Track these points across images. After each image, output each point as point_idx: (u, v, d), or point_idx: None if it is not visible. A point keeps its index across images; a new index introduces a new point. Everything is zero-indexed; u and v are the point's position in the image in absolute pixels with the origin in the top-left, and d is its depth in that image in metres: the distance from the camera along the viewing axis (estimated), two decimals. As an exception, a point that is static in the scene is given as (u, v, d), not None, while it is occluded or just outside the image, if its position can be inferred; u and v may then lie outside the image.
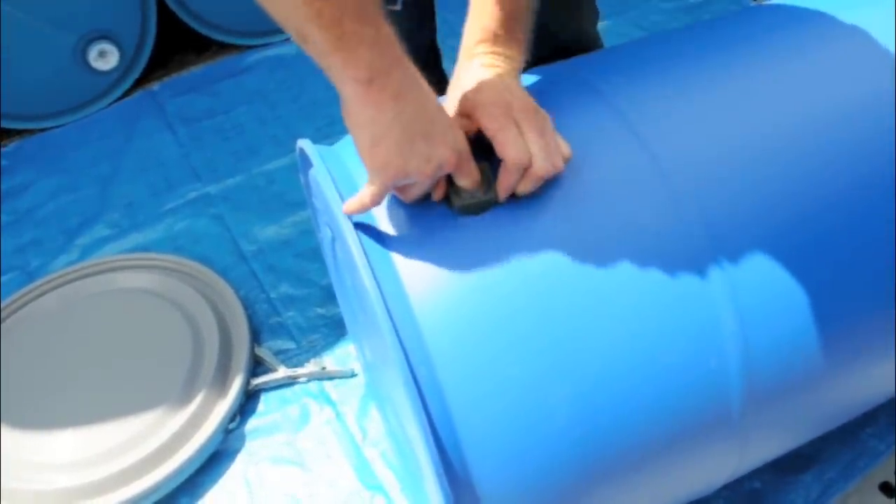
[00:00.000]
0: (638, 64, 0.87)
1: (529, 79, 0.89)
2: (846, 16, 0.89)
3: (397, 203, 0.74)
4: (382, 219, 0.74)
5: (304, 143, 0.87)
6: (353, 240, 0.70)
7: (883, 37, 0.85)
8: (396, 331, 0.66)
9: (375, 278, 0.68)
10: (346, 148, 0.87)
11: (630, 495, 0.77)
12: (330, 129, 1.94)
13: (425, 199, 0.74)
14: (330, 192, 0.75)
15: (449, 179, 0.73)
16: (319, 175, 0.78)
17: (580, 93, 0.82)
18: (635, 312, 0.70)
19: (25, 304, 1.55)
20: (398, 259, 0.71)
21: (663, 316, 0.70)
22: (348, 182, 0.79)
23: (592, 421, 0.69)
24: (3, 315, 1.53)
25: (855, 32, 0.86)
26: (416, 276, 0.70)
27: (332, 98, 2.20)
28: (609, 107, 0.79)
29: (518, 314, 0.68)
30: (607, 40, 2.12)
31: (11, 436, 1.31)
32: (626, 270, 0.70)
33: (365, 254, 0.69)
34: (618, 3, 2.28)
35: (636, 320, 0.70)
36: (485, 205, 0.72)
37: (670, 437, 0.73)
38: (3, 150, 2.07)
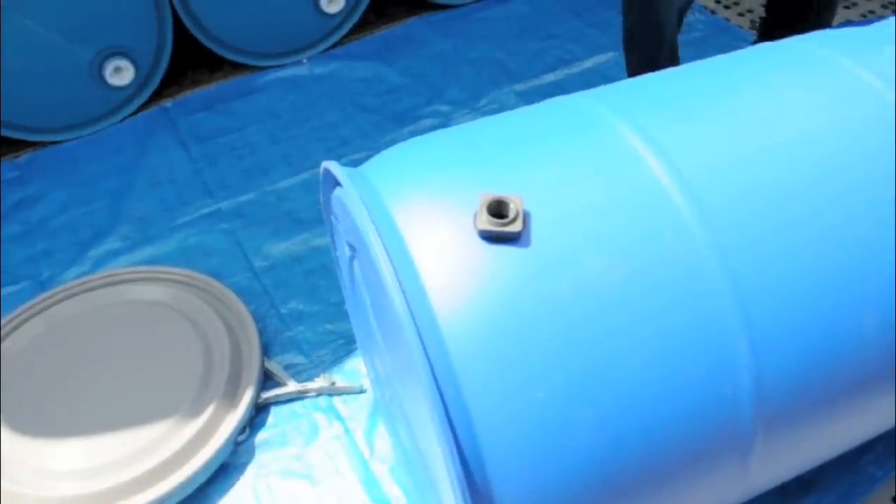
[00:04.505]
0: (665, 98, 0.91)
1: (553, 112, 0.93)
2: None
3: (428, 227, 0.77)
4: (413, 242, 0.77)
5: (330, 165, 0.90)
6: (384, 262, 0.73)
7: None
8: (426, 351, 0.69)
9: (406, 301, 0.71)
10: (371, 169, 0.91)
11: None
12: (341, 149, 1.98)
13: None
14: (359, 212, 0.78)
15: (480, 208, 0.76)
16: (348, 196, 0.81)
17: (611, 130, 0.86)
18: (655, 342, 0.73)
19: (37, 314, 1.57)
20: (428, 282, 0.74)
21: (682, 347, 0.74)
22: (375, 203, 0.82)
23: (613, 444, 0.72)
24: (15, 323, 1.55)
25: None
26: (445, 298, 0.73)
27: (343, 119, 2.26)
28: (641, 149, 0.83)
29: (544, 340, 0.71)
30: (616, 73, 2.19)
31: (20, 442, 1.32)
32: (646, 303, 0.74)
33: (395, 276, 0.72)
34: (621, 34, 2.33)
35: (656, 350, 0.73)
36: (505, 236, 0.75)
37: (685, 460, 0.76)
38: (17, 161, 2.10)
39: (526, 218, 0.76)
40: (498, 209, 0.76)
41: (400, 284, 0.71)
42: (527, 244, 0.75)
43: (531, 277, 0.73)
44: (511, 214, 0.75)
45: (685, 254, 0.76)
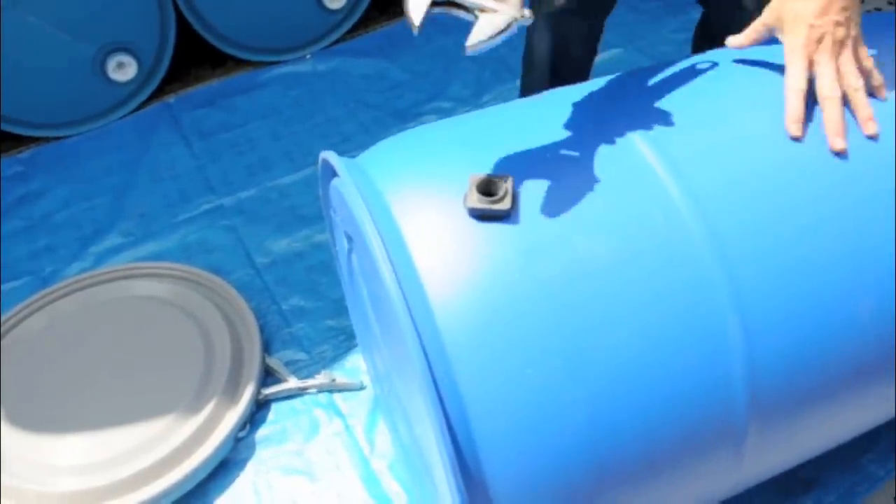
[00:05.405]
0: (659, 87, 0.92)
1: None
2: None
3: (422, 212, 0.78)
4: (407, 227, 0.77)
5: (328, 155, 0.90)
6: (377, 245, 0.73)
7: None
8: (418, 333, 0.70)
9: (399, 283, 0.71)
10: (368, 160, 0.91)
11: (637, 499, 0.79)
12: (344, 146, 1.97)
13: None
14: (354, 199, 0.78)
15: (469, 186, 0.76)
16: (344, 184, 0.81)
17: (603, 119, 0.86)
18: (646, 322, 0.73)
19: (39, 309, 1.57)
20: (421, 265, 0.74)
21: (673, 330, 0.74)
22: (372, 193, 0.82)
23: (606, 428, 0.72)
24: (16, 319, 1.55)
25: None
26: (438, 281, 0.73)
27: (346, 116, 2.25)
28: (633, 131, 0.83)
29: (536, 322, 0.72)
30: (617, 68, 2.16)
31: (20, 437, 1.32)
32: (637, 283, 0.74)
33: (390, 261, 0.72)
34: (627, 32, 2.33)
35: (647, 330, 0.73)
36: (493, 214, 0.75)
37: (678, 445, 0.76)
38: (19, 156, 2.11)
39: (515, 197, 0.76)
40: (487, 188, 0.77)
41: (393, 268, 0.72)
42: (516, 222, 0.75)
43: (525, 261, 0.73)
44: (500, 193, 0.75)
45: (676, 237, 0.76)
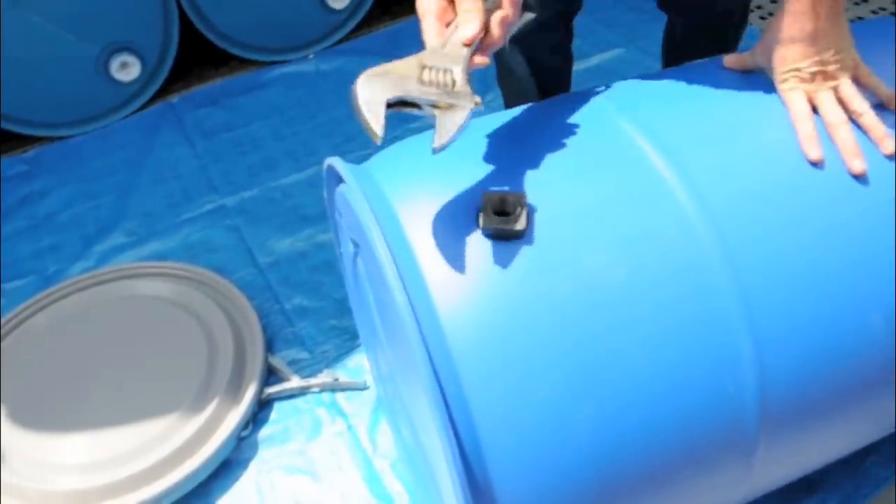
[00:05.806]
0: (671, 96, 0.92)
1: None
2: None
3: (431, 223, 0.77)
4: (416, 238, 0.77)
5: (333, 161, 0.90)
6: (386, 257, 0.73)
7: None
8: (426, 345, 0.69)
9: (407, 294, 0.71)
10: (375, 166, 0.90)
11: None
12: (347, 146, 1.97)
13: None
14: (362, 208, 0.78)
15: (483, 205, 0.76)
16: (351, 192, 0.81)
17: (616, 128, 0.86)
18: (658, 339, 0.73)
19: (42, 308, 1.57)
20: (429, 277, 0.73)
21: (684, 344, 0.73)
22: (379, 199, 0.82)
23: (615, 442, 0.72)
24: (19, 318, 1.55)
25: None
26: (446, 293, 0.72)
27: (349, 116, 2.24)
28: (646, 147, 0.83)
29: (545, 333, 0.71)
30: (618, 68, 2.18)
31: (22, 435, 1.33)
32: (648, 296, 0.73)
33: (397, 271, 0.72)
34: (628, 32, 2.33)
35: (659, 347, 0.72)
36: (508, 234, 0.75)
37: (687, 458, 0.75)
38: (23, 156, 2.11)
39: (529, 215, 0.75)
40: (501, 206, 0.75)
41: (402, 280, 0.71)
42: (530, 241, 0.74)
43: (534, 274, 0.73)
44: (514, 211, 0.75)
45: (689, 250, 0.75)
